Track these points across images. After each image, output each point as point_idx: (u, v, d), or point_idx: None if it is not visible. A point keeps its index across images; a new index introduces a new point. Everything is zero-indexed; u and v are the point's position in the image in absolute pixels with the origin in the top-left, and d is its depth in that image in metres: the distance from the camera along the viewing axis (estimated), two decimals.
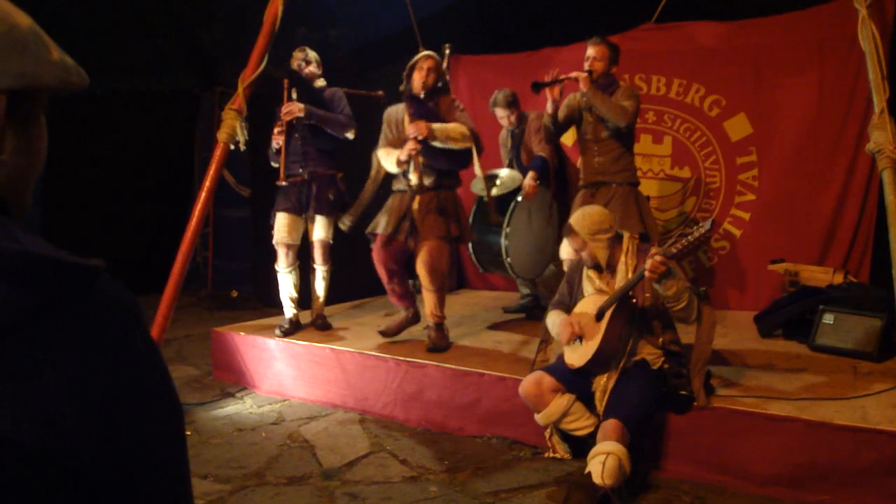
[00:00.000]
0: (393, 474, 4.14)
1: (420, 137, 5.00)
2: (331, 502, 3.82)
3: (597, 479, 3.50)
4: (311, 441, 4.67)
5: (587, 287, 4.19)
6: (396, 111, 5.38)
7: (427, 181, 5.19)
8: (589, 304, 4.08)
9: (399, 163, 5.15)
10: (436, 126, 5.05)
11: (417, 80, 5.19)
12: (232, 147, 5.58)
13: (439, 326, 5.36)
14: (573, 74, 5.10)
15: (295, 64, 5.74)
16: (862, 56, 4.15)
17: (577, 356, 4.04)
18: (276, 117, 5.75)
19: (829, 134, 6.10)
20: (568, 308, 4.25)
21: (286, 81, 5.63)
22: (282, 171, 5.59)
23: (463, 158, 5.30)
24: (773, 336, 5.46)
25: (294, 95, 5.57)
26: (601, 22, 6.27)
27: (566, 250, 5.24)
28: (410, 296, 5.57)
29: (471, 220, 6.08)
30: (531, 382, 4.11)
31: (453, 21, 7.42)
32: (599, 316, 3.96)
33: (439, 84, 5.30)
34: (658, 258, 3.66)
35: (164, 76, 9.26)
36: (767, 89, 6.34)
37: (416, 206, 5.22)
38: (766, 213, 6.43)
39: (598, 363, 3.96)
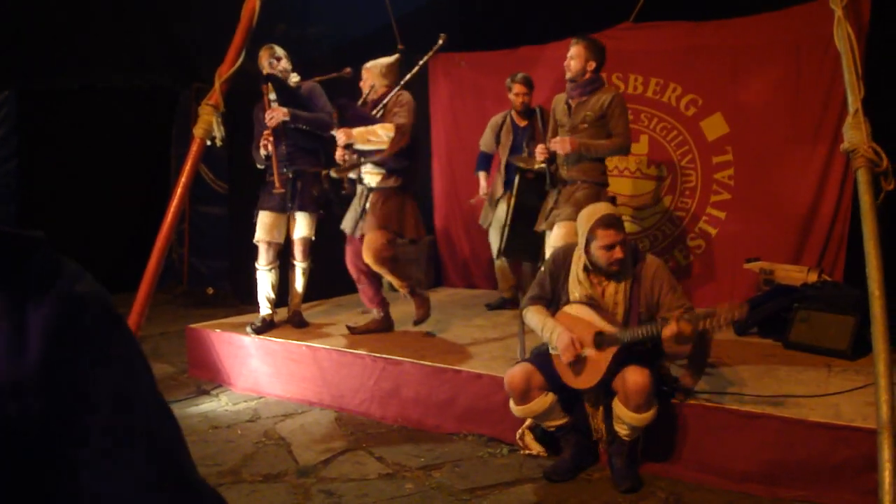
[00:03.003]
0: (369, 472, 4.13)
1: (342, 144, 5.25)
2: (307, 500, 3.81)
3: (624, 437, 3.84)
4: (287, 438, 4.65)
5: (574, 290, 4.01)
6: None
7: (374, 179, 5.42)
8: (582, 313, 3.92)
9: (339, 164, 5.41)
10: (355, 132, 5.21)
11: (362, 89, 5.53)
12: (209, 143, 5.55)
13: (413, 291, 5.53)
14: (555, 147, 5.13)
15: (265, 63, 5.65)
16: (837, 56, 4.17)
17: (577, 380, 3.89)
18: (258, 120, 5.71)
19: (804, 134, 6.13)
20: (549, 305, 4.11)
21: (266, 87, 5.60)
22: (276, 178, 5.57)
23: (403, 155, 5.34)
24: (748, 334, 5.50)
25: (273, 98, 5.56)
26: (580, 21, 6.28)
27: (555, 238, 5.27)
28: (382, 299, 5.68)
29: (513, 202, 6.06)
30: (521, 377, 3.95)
31: (432, 19, 7.41)
32: (600, 345, 3.81)
33: (387, 82, 5.49)
34: (684, 326, 3.52)
35: (141, 72, 9.18)
36: (744, 89, 6.37)
37: (368, 203, 5.45)
38: (742, 212, 6.46)
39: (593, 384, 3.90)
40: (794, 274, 5.79)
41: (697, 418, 3.95)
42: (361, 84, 5.52)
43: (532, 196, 5.93)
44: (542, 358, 4.05)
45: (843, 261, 6.03)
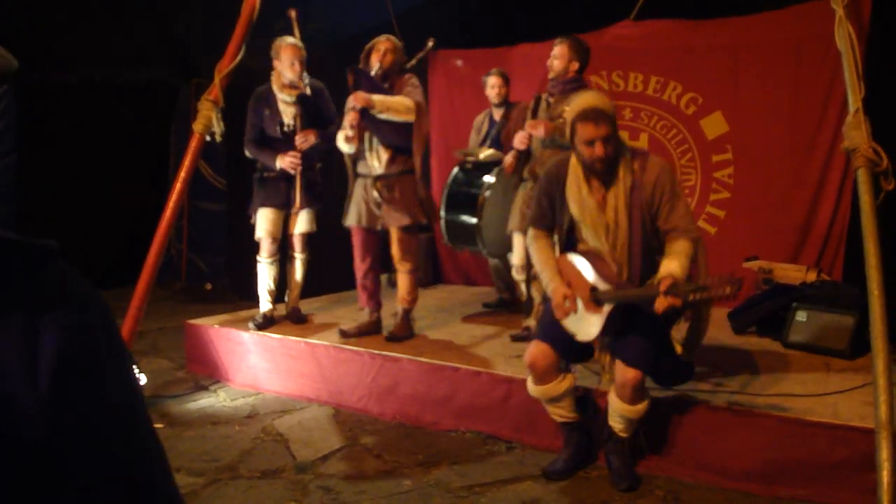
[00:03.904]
0: (367, 468, 4.13)
1: (358, 107, 4.99)
2: (304, 496, 3.81)
3: (620, 433, 3.85)
4: (285, 434, 4.65)
5: (573, 202, 3.75)
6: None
7: (381, 161, 5.24)
8: (581, 264, 3.72)
9: (347, 138, 5.14)
10: (376, 97, 5.00)
11: (374, 61, 5.20)
12: (208, 138, 5.54)
13: (406, 314, 5.46)
14: (530, 129, 5.14)
15: (288, 63, 5.48)
16: (838, 55, 4.16)
17: (577, 330, 3.75)
18: (254, 111, 5.68)
19: (804, 132, 6.13)
20: (553, 228, 3.91)
21: (299, 108, 5.56)
22: (298, 198, 5.58)
23: (410, 133, 5.26)
24: (746, 333, 5.49)
25: (301, 115, 5.57)
26: (580, 18, 6.29)
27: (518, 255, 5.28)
28: (378, 299, 5.60)
29: (446, 191, 6.16)
30: (542, 358, 3.82)
31: (432, 16, 7.40)
32: (596, 301, 3.64)
33: (398, 67, 5.29)
34: (673, 301, 3.36)
35: (141, 67, 9.17)
36: (744, 88, 6.37)
37: (375, 193, 5.26)
38: (741, 210, 6.46)
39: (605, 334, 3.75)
40: (792, 273, 5.79)
41: (695, 417, 3.95)
42: (377, 52, 5.20)
43: (466, 187, 6.09)
44: (554, 329, 3.84)
45: (842, 260, 6.03)
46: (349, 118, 5.04)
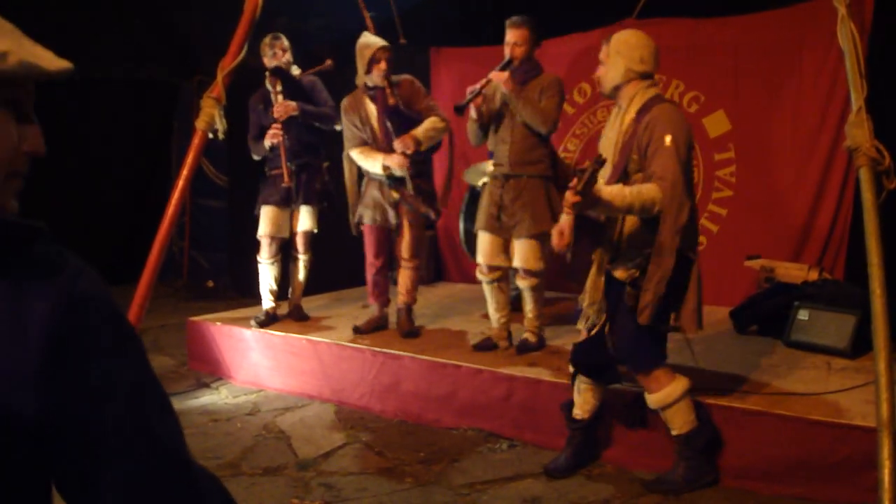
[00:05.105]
0: (368, 465, 4.14)
1: (409, 152, 5.15)
2: (306, 493, 3.82)
3: (672, 430, 3.79)
4: (287, 432, 4.66)
5: (603, 140, 3.89)
6: (356, 104, 5.36)
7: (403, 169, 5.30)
8: None
9: (385, 168, 5.23)
10: (420, 136, 5.19)
11: (377, 75, 5.18)
12: (210, 136, 5.54)
13: (409, 310, 5.51)
14: (491, 76, 4.90)
15: (270, 52, 5.65)
16: (840, 54, 4.16)
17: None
18: (254, 111, 5.72)
19: (807, 131, 6.12)
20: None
21: (275, 81, 5.63)
22: (284, 171, 5.57)
23: (436, 145, 5.50)
24: (747, 332, 5.49)
25: (279, 90, 5.58)
26: (582, 17, 6.29)
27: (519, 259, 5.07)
28: (387, 296, 5.65)
29: (463, 208, 6.31)
30: None
31: (435, 13, 7.40)
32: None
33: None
34: (568, 199, 3.24)
35: (142, 64, 9.16)
36: (747, 86, 6.36)
37: (395, 194, 5.32)
38: (743, 209, 6.45)
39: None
40: (794, 272, 5.78)
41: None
42: (378, 64, 5.16)
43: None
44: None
45: (844, 259, 6.02)
46: (399, 161, 5.17)
